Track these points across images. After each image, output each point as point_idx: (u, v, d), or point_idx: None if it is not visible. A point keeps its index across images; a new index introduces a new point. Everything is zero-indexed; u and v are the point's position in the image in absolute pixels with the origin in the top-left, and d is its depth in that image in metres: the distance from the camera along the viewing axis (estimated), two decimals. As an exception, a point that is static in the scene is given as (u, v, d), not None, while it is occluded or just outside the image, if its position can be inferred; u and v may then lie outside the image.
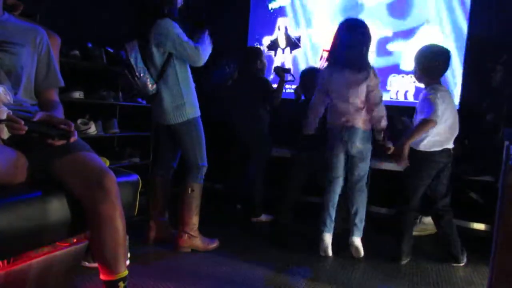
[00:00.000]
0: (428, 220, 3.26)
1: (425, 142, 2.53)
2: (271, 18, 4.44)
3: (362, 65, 2.57)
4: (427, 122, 2.42)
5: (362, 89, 2.57)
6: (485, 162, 2.70)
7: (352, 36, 2.55)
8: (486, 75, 2.82)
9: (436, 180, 2.60)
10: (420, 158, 2.54)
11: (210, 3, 3.95)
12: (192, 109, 2.54)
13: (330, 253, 2.67)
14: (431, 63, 2.53)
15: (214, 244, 2.68)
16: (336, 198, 2.72)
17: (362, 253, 2.65)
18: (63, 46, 2.34)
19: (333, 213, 2.70)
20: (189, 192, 2.58)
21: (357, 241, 2.65)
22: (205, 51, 2.48)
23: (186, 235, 2.59)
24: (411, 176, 2.60)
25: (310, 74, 3.37)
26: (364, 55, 2.59)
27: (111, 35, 3.44)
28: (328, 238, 2.68)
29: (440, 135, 2.52)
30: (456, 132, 2.58)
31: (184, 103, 2.50)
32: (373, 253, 2.73)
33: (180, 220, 2.60)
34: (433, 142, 2.53)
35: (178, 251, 2.58)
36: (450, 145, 2.57)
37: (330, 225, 2.69)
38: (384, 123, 2.60)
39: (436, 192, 2.63)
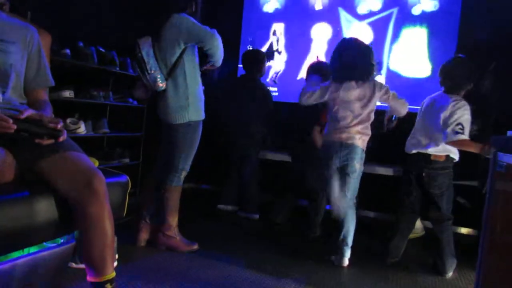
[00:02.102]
0: (417, 223, 3.28)
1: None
2: (265, 21, 4.45)
3: (367, 78, 2.59)
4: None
5: (371, 103, 2.58)
6: (472, 167, 2.72)
7: (355, 54, 2.58)
8: (474, 82, 2.84)
9: (423, 188, 2.61)
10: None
11: (203, 4, 3.95)
12: (195, 112, 2.52)
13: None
14: (456, 75, 2.56)
15: (193, 247, 2.65)
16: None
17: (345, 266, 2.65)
18: (54, 44, 2.33)
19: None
20: (166, 193, 2.57)
21: (346, 261, 2.63)
22: (220, 42, 2.48)
23: (161, 234, 2.60)
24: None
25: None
26: (370, 71, 2.61)
27: (102, 34, 3.42)
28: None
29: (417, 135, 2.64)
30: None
31: (189, 105, 2.48)
32: (362, 257, 2.74)
33: (160, 218, 2.62)
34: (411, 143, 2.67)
35: (171, 253, 2.57)
36: (431, 151, 2.57)
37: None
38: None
39: (427, 201, 2.64)
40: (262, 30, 4.44)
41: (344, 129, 2.60)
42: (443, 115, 2.50)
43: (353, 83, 2.59)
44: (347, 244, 2.63)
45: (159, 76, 2.45)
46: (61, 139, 1.38)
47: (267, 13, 4.43)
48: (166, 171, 2.57)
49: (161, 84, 2.47)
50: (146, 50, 2.43)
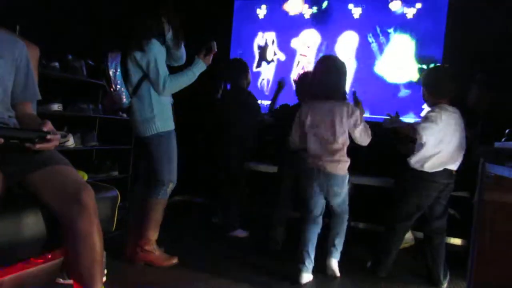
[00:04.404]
0: (407, 233, 3.28)
1: (428, 163, 2.49)
2: (255, 33, 4.48)
3: (341, 98, 2.52)
4: (414, 131, 2.42)
5: (344, 124, 2.44)
6: (461, 178, 2.74)
7: (329, 72, 2.51)
8: (460, 92, 2.89)
9: (435, 200, 2.56)
10: (421, 178, 2.52)
11: (192, 16, 3.97)
12: (164, 123, 2.50)
13: None
14: (437, 83, 2.57)
15: (172, 261, 2.59)
16: (315, 237, 2.56)
17: (338, 274, 2.59)
18: (42, 57, 2.32)
19: (312, 252, 2.52)
20: (150, 206, 2.52)
21: (334, 263, 2.60)
22: (175, 83, 2.47)
23: (139, 248, 2.53)
24: (410, 195, 2.57)
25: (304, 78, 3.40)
26: (342, 90, 2.55)
27: (92, 47, 3.42)
28: (306, 278, 2.47)
29: (442, 156, 2.49)
30: (461, 154, 2.54)
31: (154, 116, 2.46)
32: (352, 268, 2.73)
33: (140, 232, 2.54)
34: (434, 163, 2.50)
35: (162, 266, 2.53)
36: (453, 167, 2.53)
37: (309, 265, 2.51)
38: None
39: (432, 212, 2.60)
40: (252, 42, 4.48)
41: (320, 157, 2.49)
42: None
43: (323, 107, 2.50)
44: (334, 246, 2.58)
45: (124, 94, 2.45)
46: (49, 137, 1.35)
47: (257, 25, 4.46)
48: (151, 185, 2.54)
49: (127, 101, 2.48)
50: (114, 67, 2.42)
